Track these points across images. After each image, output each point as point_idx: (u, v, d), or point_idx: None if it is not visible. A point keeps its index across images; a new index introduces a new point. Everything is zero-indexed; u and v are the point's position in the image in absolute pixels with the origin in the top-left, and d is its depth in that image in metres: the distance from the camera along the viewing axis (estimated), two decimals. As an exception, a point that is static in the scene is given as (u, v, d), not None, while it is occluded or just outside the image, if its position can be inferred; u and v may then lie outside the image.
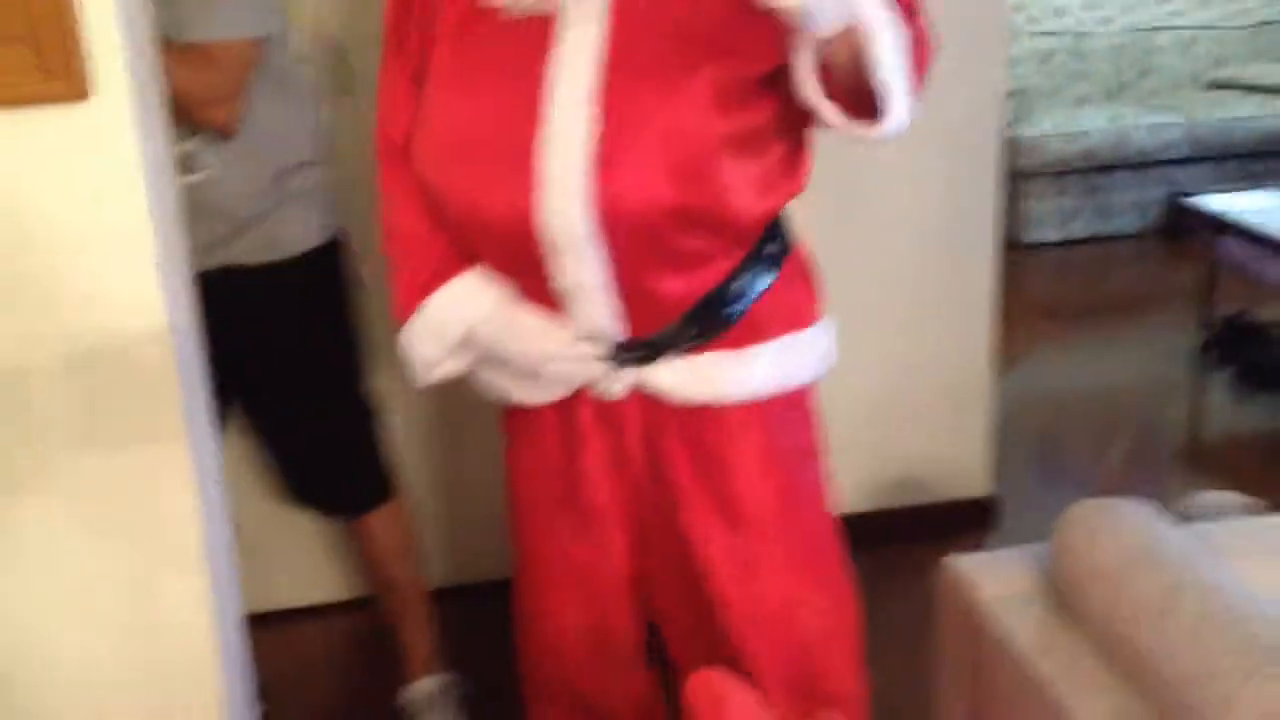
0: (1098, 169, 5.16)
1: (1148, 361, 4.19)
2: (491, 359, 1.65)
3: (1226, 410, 3.90)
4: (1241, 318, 4.17)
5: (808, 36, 1.30)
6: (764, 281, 1.58)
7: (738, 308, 1.57)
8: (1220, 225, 4.16)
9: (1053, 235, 5.18)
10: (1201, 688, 1.51)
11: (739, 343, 1.59)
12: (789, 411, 1.66)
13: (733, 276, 1.55)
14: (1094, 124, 5.14)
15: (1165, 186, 5.23)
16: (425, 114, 1.55)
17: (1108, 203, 5.25)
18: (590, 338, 1.57)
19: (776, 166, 1.51)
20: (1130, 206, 5.28)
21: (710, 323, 1.56)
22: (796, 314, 1.64)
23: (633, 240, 1.46)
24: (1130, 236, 5.28)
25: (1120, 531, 1.78)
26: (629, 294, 1.51)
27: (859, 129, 1.37)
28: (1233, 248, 4.29)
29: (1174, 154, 5.19)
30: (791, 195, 1.58)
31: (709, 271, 1.53)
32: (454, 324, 1.61)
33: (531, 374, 1.62)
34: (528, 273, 1.53)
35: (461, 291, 1.60)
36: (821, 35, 1.29)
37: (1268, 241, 3.98)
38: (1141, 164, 5.18)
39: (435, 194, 1.55)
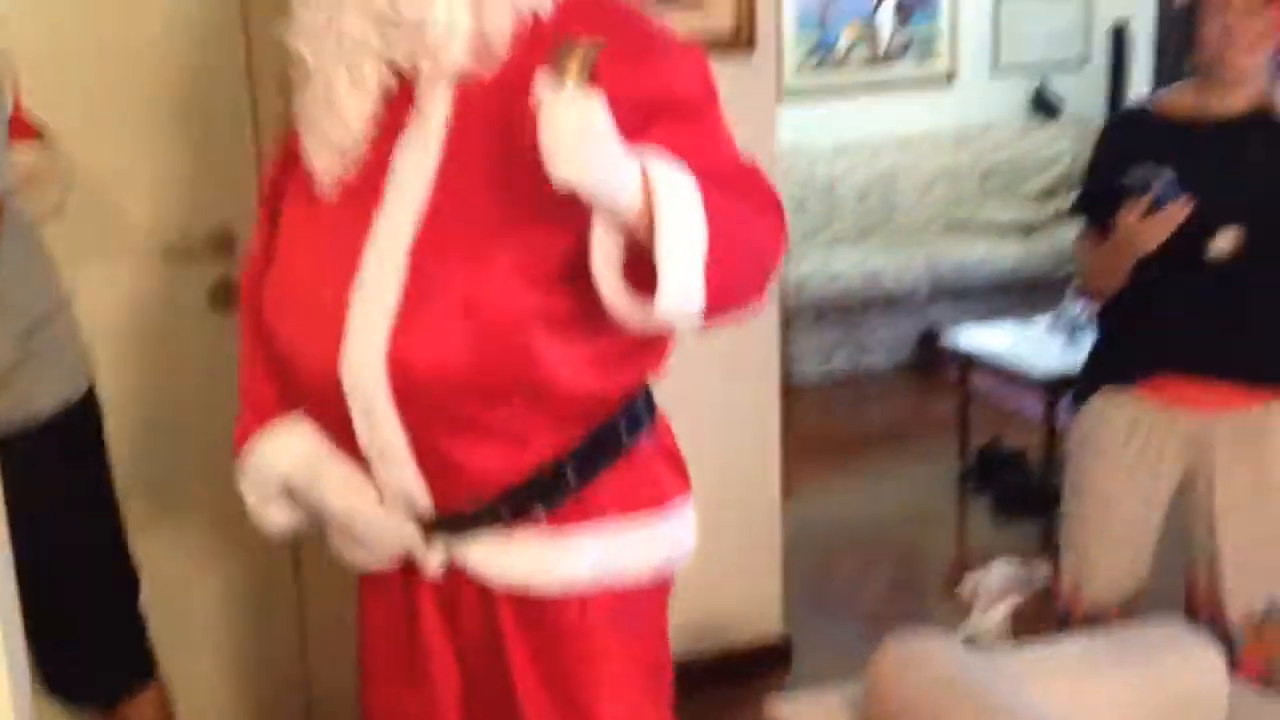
0: (852, 309, 5.40)
1: (911, 491, 4.37)
2: (317, 514, 1.59)
3: (987, 534, 4.08)
4: (994, 446, 4.39)
5: (604, 215, 1.30)
6: (604, 462, 1.52)
7: (564, 487, 1.50)
8: (969, 360, 4.41)
9: (814, 372, 5.37)
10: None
11: (563, 523, 1.52)
12: (635, 609, 1.58)
13: (563, 455, 1.49)
14: (847, 266, 5.40)
15: (915, 323, 5.52)
16: (272, 263, 1.56)
17: (864, 340, 5.50)
18: (399, 503, 1.51)
19: (619, 347, 1.47)
20: (885, 343, 5.54)
21: (528, 500, 1.50)
22: (638, 498, 1.56)
23: (429, 406, 1.43)
24: (887, 371, 5.53)
25: (928, 665, 1.82)
26: (431, 462, 1.47)
27: (640, 312, 1.34)
28: (982, 380, 4.54)
29: (921, 292, 5.50)
30: (643, 377, 1.55)
31: (531, 448, 1.47)
32: (271, 472, 1.57)
33: (350, 533, 1.54)
34: (338, 428, 1.50)
35: (279, 440, 1.57)
36: (618, 216, 1.29)
37: (1014, 373, 4.23)
38: (892, 302, 5.46)
39: (269, 341, 1.55)
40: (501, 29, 1.42)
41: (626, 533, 1.55)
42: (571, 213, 1.31)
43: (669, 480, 1.61)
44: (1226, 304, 2.39)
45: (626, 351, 1.49)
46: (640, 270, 1.32)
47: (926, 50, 6.18)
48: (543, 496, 1.50)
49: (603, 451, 1.52)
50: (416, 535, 1.53)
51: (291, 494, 1.59)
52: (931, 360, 5.39)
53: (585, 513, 1.52)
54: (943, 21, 6.26)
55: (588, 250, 1.34)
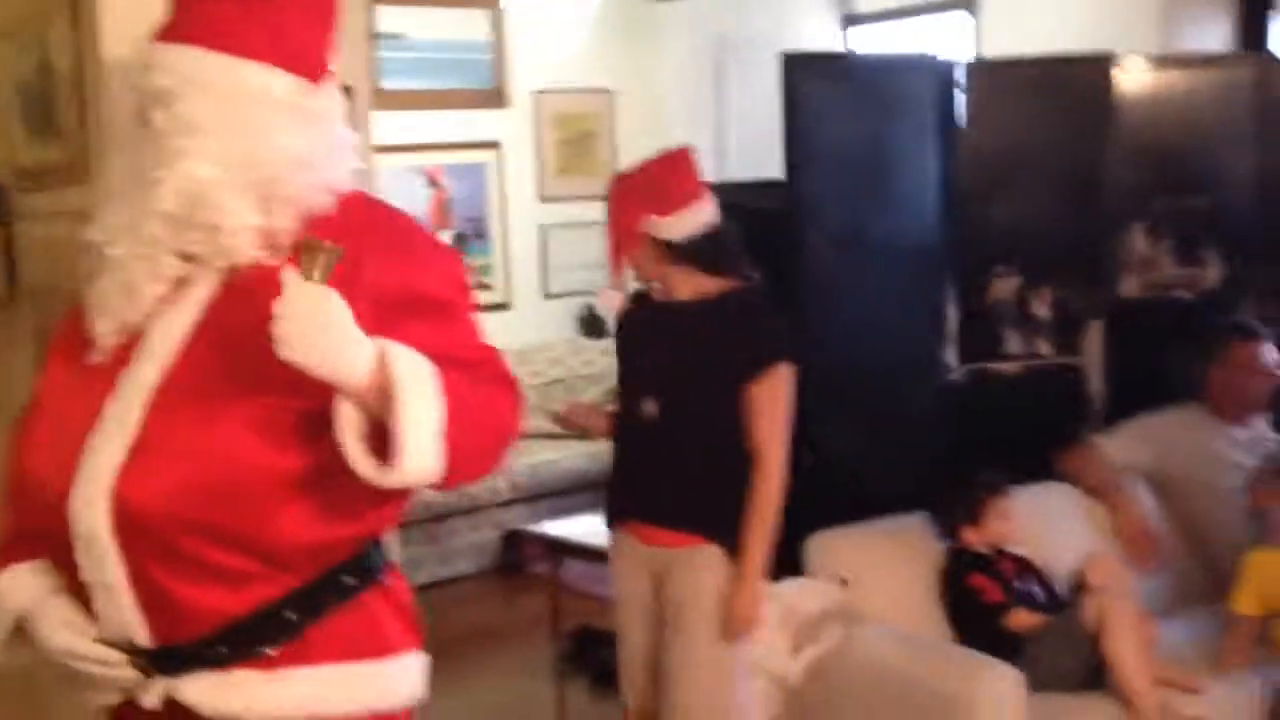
0: (435, 519, 5.62)
1: (512, 685, 4.56)
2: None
3: (589, 713, 4.33)
4: (586, 630, 4.69)
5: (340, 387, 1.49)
6: (327, 608, 1.61)
7: (285, 629, 1.59)
8: (558, 547, 4.73)
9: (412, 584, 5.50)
10: None
11: (281, 664, 1.60)
12: None
13: (284, 598, 1.58)
14: (427, 477, 5.66)
15: (497, 527, 5.83)
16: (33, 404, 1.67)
17: (448, 548, 5.72)
18: (118, 641, 1.58)
19: (352, 502, 1.57)
20: (470, 548, 5.79)
21: (247, 640, 1.58)
22: (360, 646, 1.65)
23: (148, 543, 1.53)
24: (474, 575, 5.77)
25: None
26: (150, 598, 1.55)
27: (382, 475, 1.49)
28: (568, 571, 4.87)
29: (500, 497, 5.83)
30: (374, 530, 1.67)
31: (252, 590, 1.56)
32: (4, 612, 1.63)
33: (69, 671, 1.59)
34: (66, 565, 1.59)
35: (15, 578, 1.64)
36: (350, 388, 1.48)
37: (600, 557, 4.58)
38: (474, 509, 5.74)
39: (20, 480, 1.63)
40: (286, 226, 1.60)
41: (344, 678, 1.64)
42: (309, 383, 1.47)
43: (396, 632, 1.71)
44: (655, 459, 2.91)
45: (359, 507, 1.60)
46: (384, 436, 1.48)
47: (484, 278, 6.70)
48: (262, 638, 1.59)
49: (326, 598, 1.62)
50: (131, 676, 1.59)
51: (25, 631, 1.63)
52: (515, 561, 5.71)
53: (305, 655, 1.61)
54: (495, 255, 6.84)
55: (329, 412, 1.49)
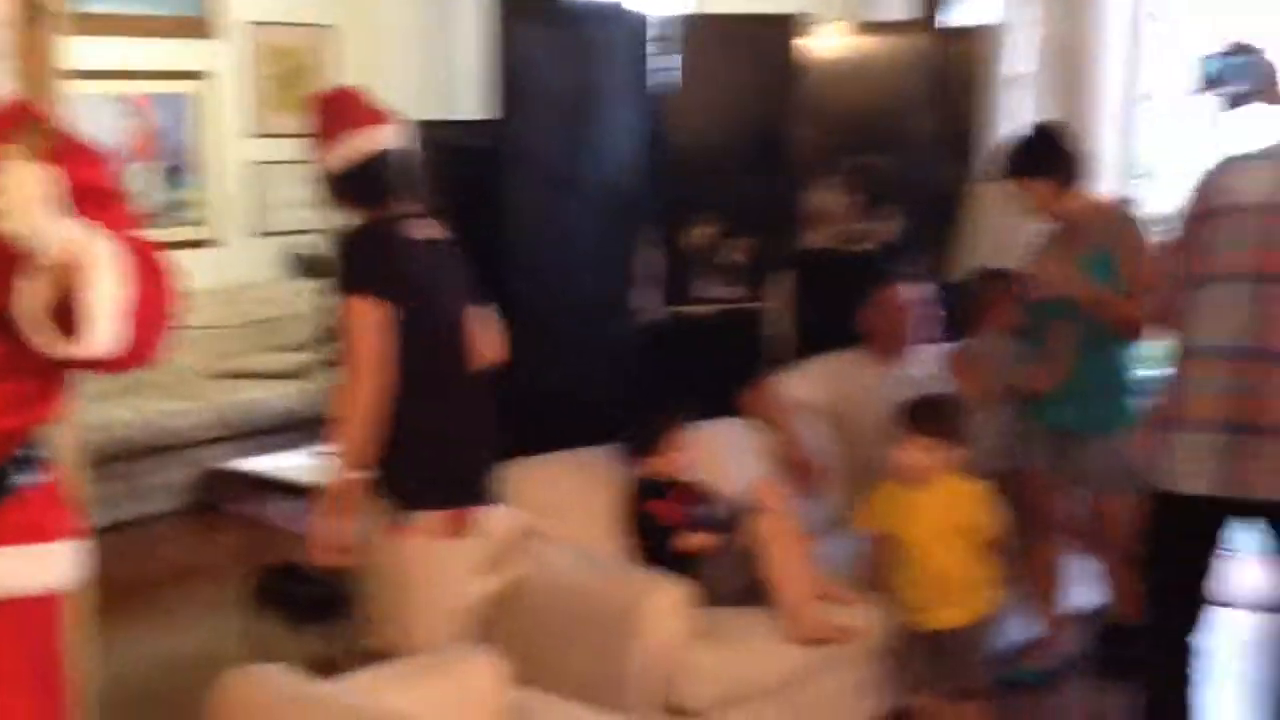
0: (130, 456, 5.48)
1: (209, 622, 4.52)
2: None
3: (287, 648, 4.34)
4: (286, 564, 4.68)
5: (28, 261, 1.54)
6: None
7: None
8: (260, 484, 4.71)
9: (103, 522, 5.34)
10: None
11: None
12: (25, 617, 1.77)
13: None
14: (128, 414, 5.50)
15: (199, 466, 5.72)
16: None
17: (144, 486, 5.58)
18: None
19: (17, 394, 1.69)
20: (166, 488, 5.67)
21: None
22: (19, 531, 1.76)
23: None
24: (174, 514, 5.65)
25: (266, 684, 2.10)
26: None
27: (64, 347, 1.58)
28: (271, 510, 4.86)
29: (203, 436, 5.73)
30: (34, 422, 1.76)
31: None
32: None
33: None
34: None
35: None
36: (42, 262, 1.53)
37: (301, 495, 4.58)
38: (174, 447, 5.62)
39: None
40: None
41: (12, 560, 1.76)
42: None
43: (53, 520, 1.83)
44: None
45: (21, 399, 1.71)
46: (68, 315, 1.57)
47: (192, 213, 6.51)
48: None
49: None
50: None
51: None
52: (216, 500, 5.63)
53: None
54: (205, 190, 6.65)
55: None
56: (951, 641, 3.29)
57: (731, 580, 3.31)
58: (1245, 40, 4.81)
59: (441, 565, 2.92)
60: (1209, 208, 2.90)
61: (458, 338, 2.98)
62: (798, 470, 3.88)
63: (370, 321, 2.79)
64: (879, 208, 4.96)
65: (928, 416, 3.32)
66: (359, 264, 2.89)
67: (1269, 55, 4.76)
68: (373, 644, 2.98)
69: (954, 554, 3.29)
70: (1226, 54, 4.81)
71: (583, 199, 3.96)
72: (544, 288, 3.86)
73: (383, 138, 2.96)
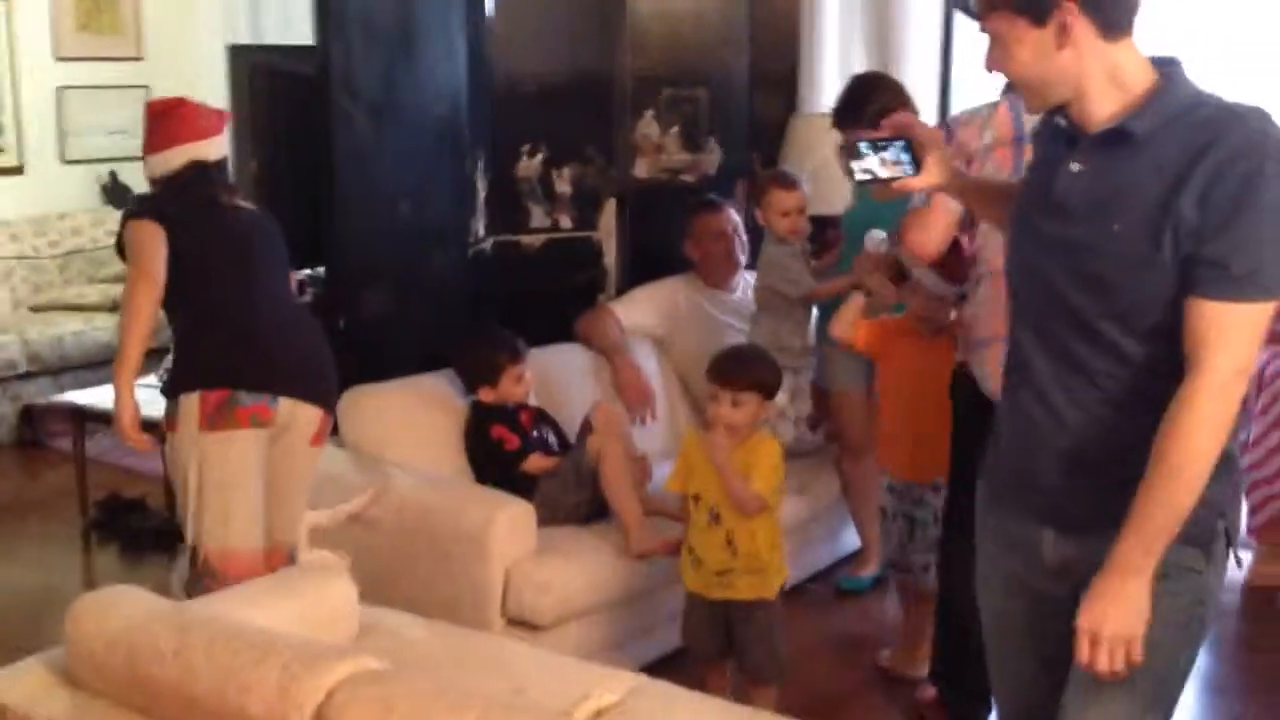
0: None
1: (40, 558, 4.46)
2: None
3: (120, 578, 4.31)
4: (116, 498, 4.64)
5: None
6: None
7: None
8: (84, 416, 4.62)
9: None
10: (223, 690, 1.94)
11: None
12: None
13: None
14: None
15: (15, 400, 5.55)
16: None
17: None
18: None
19: None
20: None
21: None
22: None
23: None
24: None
25: (123, 605, 2.14)
26: None
27: None
28: (96, 445, 4.78)
29: (20, 371, 5.57)
30: None
31: None
32: None
33: None
34: None
35: None
36: None
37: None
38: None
39: None
40: None
41: None
42: None
43: None
44: None
45: None
46: None
47: (-7, 141, 6.27)
48: None
49: None
50: None
51: None
52: (36, 436, 5.50)
53: None
54: (5, 114, 6.38)
55: None
56: (740, 615, 3.00)
57: (570, 500, 3.45)
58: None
59: (223, 454, 3.01)
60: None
61: (245, 268, 3.14)
62: (632, 394, 4.03)
63: (145, 237, 3.01)
64: (699, 140, 5.11)
65: (734, 370, 2.99)
66: (145, 199, 3.21)
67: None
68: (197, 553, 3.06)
69: (747, 522, 2.96)
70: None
71: (408, 126, 3.96)
72: (372, 216, 3.87)
73: (206, 150, 3.13)
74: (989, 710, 3.01)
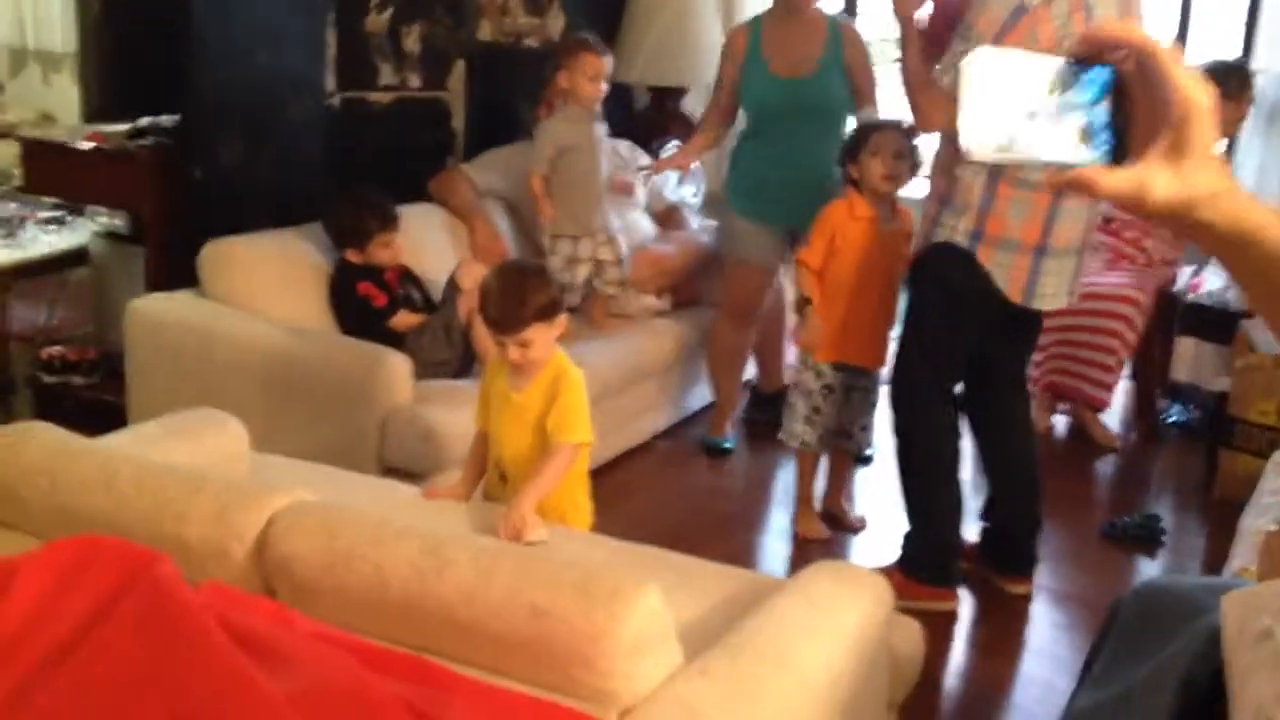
0: None
1: None
2: None
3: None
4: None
5: None
6: None
7: None
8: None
9: None
10: (159, 519, 1.96)
11: None
12: None
13: None
14: None
15: None
16: None
17: None
18: None
19: None
20: None
21: None
22: None
23: None
24: None
25: (39, 439, 2.12)
26: None
27: None
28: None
29: None
30: None
31: None
32: None
33: None
34: None
35: None
36: None
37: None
38: None
39: None
40: None
41: None
42: None
43: None
44: None
45: None
46: None
47: None
48: None
49: None
50: None
51: None
52: None
53: None
54: None
55: None
56: None
57: (440, 356, 3.50)
58: None
59: None
60: None
61: None
62: (491, 254, 4.08)
63: None
64: (542, 4, 5.10)
65: (505, 316, 2.51)
66: None
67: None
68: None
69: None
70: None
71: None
72: (229, 63, 3.76)
73: None
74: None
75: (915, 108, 3.05)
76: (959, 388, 3.31)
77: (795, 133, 3.91)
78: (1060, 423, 4.74)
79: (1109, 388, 4.46)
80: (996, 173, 2.93)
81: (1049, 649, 3.17)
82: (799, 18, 3.90)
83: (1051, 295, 3.05)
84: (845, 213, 3.47)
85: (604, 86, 4.08)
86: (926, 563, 3.25)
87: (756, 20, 4.04)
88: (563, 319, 2.58)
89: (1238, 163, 4.79)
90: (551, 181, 4.06)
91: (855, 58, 3.90)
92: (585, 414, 2.58)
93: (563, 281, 4.01)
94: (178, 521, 1.95)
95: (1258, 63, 4.71)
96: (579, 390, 2.57)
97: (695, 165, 5.32)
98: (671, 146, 5.23)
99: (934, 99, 2.95)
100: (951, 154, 3.02)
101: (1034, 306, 3.07)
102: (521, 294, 2.51)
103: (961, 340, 3.17)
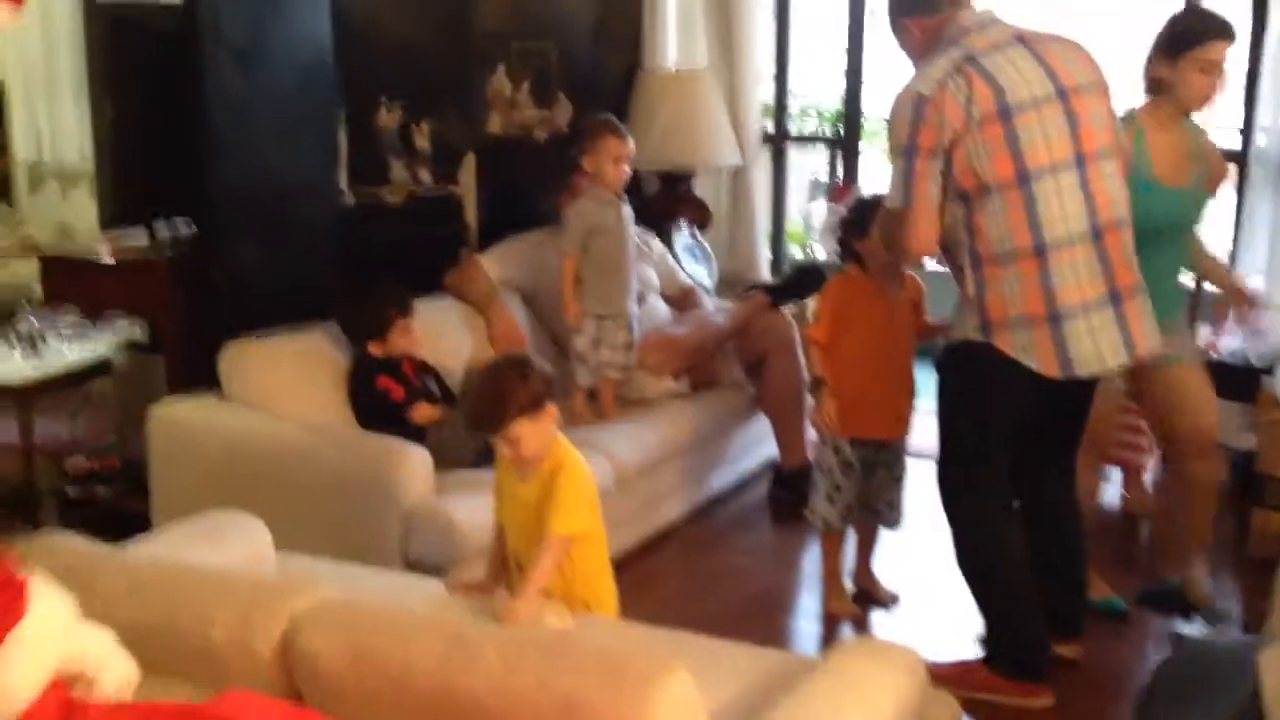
0: None
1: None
2: None
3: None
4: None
5: None
6: None
7: None
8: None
9: None
10: (184, 622, 1.95)
11: None
12: None
13: None
14: None
15: None
16: None
17: None
18: None
19: None
20: None
21: None
22: None
23: None
24: None
25: (62, 548, 2.12)
26: None
27: None
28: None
29: None
30: None
31: None
32: None
33: None
34: None
35: None
36: None
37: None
38: None
39: None
40: None
41: None
42: None
43: None
44: None
45: None
46: None
47: None
48: None
49: None
50: None
51: None
52: None
53: None
54: None
55: None
56: None
57: (462, 445, 3.49)
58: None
59: None
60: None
61: None
62: (509, 342, 4.09)
63: None
64: (549, 95, 5.17)
65: (487, 418, 2.52)
66: None
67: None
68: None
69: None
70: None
71: (277, 72, 3.90)
72: (242, 166, 3.80)
73: None
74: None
75: (904, 251, 3.00)
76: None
77: None
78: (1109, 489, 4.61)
79: (1140, 449, 4.41)
80: (977, 261, 2.89)
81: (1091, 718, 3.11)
82: None
83: (1096, 357, 2.89)
84: (848, 287, 3.48)
85: (627, 169, 4.11)
86: (1012, 661, 3.12)
87: None
88: (551, 409, 2.53)
89: (1246, 223, 4.77)
90: (581, 263, 4.09)
91: None
92: (581, 505, 2.52)
93: (589, 362, 4.04)
94: (202, 624, 1.94)
95: (1261, 120, 4.71)
96: (575, 482, 2.52)
97: (706, 246, 5.37)
98: (683, 229, 5.28)
99: (911, 230, 2.89)
100: (951, 259, 3.03)
101: (1080, 375, 2.92)
102: (499, 394, 2.48)
103: (996, 431, 3.05)
